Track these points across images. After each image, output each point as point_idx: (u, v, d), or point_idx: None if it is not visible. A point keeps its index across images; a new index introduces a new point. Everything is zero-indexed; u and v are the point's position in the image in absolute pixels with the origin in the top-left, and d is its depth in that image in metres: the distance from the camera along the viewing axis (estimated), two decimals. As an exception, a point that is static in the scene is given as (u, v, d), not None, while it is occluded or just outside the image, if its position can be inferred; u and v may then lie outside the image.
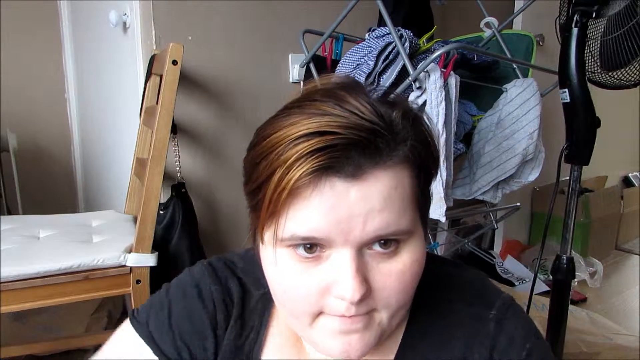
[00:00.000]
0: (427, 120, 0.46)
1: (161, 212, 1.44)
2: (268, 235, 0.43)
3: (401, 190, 0.41)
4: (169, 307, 0.53)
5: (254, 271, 0.54)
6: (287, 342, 0.53)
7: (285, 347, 0.52)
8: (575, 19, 1.05)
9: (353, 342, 0.42)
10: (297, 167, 0.39)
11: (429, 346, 0.50)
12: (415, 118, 0.44)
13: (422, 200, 0.45)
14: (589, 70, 1.24)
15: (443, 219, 1.22)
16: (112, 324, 1.64)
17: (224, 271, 0.55)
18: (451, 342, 0.49)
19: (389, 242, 0.42)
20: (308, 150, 0.38)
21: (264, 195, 0.41)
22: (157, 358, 0.51)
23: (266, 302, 0.54)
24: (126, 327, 0.54)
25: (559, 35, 1.27)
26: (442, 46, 1.26)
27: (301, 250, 0.41)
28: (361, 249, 0.41)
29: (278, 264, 0.43)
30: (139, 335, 0.52)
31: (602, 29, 1.18)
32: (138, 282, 1.18)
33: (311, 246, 0.41)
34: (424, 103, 1.18)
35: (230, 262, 0.57)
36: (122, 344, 0.53)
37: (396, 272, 0.42)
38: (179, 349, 0.51)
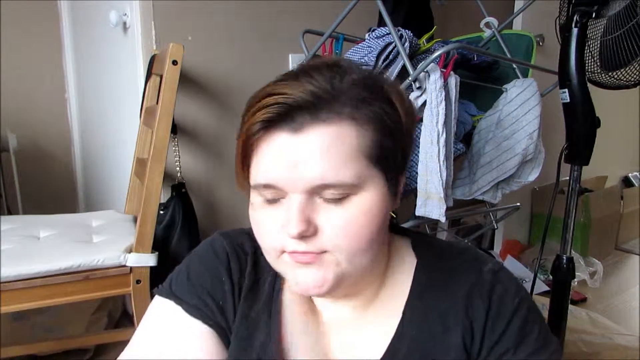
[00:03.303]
0: (398, 93, 0.52)
1: (161, 212, 1.44)
2: (249, 183, 0.52)
3: (343, 145, 0.47)
4: (187, 269, 0.60)
5: None
6: (299, 299, 0.58)
7: (299, 303, 0.58)
8: (575, 19, 1.06)
9: (311, 276, 0.49)
10: (252, 121, 0.48)
11: (434, 295, 0.56)
12: (373, 85, 0.51)
13: (380, 155, 0.50)
14: (589, 70, 1.24)
15: (443, 219, 1.22)
16: (112, 324, 1.64)
17: (235, 231, 0.62)
18: (454, 292, 0.55)
19: (337, 192, 0.48)
20: (261, 107, 0.48)
21: (237, 147, 0.51)
22: (187, 315, 0.56)
23: None
24: (155, 299, 0.59)
25: (559, 35, 1.27)
26: (442, 46, 1.26)
27: (267, 196, 0.50)
28: (312, 196, 0.48)
29: (253, 207, 0.52)
30: (166, 298, 0.58)
31: (602, 29, 1.18)
32: (138, 282, 1.18)
33: (273, 199, 0.49)
34: (424, 103, 1.18)
35: (241, 229, 0.64)
36: (154, 312, 0.58)
37: (343, 218, 0.48)
38: (203, 298, 0.57)
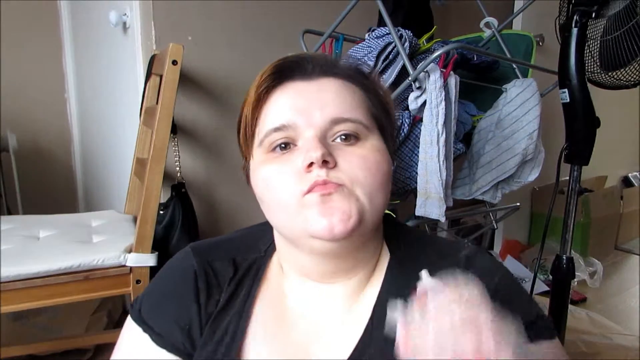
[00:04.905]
0: (379, 82, 0.59)
1: (161, 212, 1.44)
2: (253, 147, 0.54)
3: (353, 94, 0.53)
4: (154, 292, 0.60)
5: (249, 240, 0.59)
6: (274, 298, 0.58)
7: (272, 302, 0.58)
8: (575, 19, 1.06)
9: (336, 208, 0.48)
10: (262, 80, 0.53)
11: (404, 288, 0.53)
12: (363, 68, 0.58)
13: (377, 117, 0.55)
14: (589, 70, 1.24)
15: (443, 219, 1.22)
16: (112, 324, 1.64)
17: (208, 247, 0.61)
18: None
19: (349, 136, 0.51)
20: (271, 67, 0.53)
21: (242, 112, 0.55)
22: (153, 345, 0.56)
23: (260, 263, 0.60)
24: (127, 321, 0.60)
25: (559, 35, 1.27)
26: (442, 46, 1.26)
27: (277, 150, 0.51)
28: (325, 138, 0.50)
29: (260, 165, 0.52)
30: (135, 323, 0.58)
31: (602, 29, 1.18)
32: (138, 282, 1.18)
33: (285, 145, 0.51)
34: (424, 103, 1.18)
35: (217, 240, 0.63)
36: (125, 338, 0.59)
37: (357, 154, 0.50)
38: (168, 325, 0.56)
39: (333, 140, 0.51)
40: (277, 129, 0.51)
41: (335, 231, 0.47)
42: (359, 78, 0.56)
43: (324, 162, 0.48)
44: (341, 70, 0.55)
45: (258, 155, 0.53)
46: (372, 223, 0.51)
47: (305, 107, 0.51)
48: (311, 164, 0.48)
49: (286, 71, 0.53)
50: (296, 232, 0.51)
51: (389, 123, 0.57)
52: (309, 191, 0.48)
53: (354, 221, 0.48)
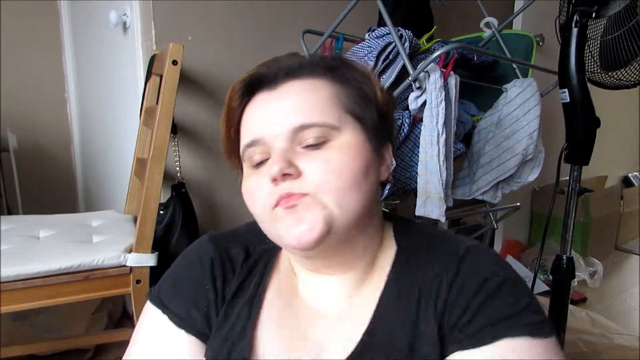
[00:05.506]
0: (373, 74, 0.58)
1: (161, 212, 1.44)
2: (239, 161, 0.56)
3: (318, 93, 0.52)
4: (173, 275, 0.62)
5: (259, 233, 0.60)
6: (285, 287, 0.60)
7: (283, 291, 0.59)
8: (575, 19, 1.06)
9: (302, 221, 0.49)
10: (233, 97, 0.55)
11: (410, 283, 0.55)
12: (346, 59, 0.58)
13: (356, 110, 0.54)
14: (589, 70, 1.24)
15: (443, 219, 1.22)
16: (112, 324, 1.64)
17: (224, 236, 0.63)
18: (429, 278, 0.54)
19: (315, 141, 0.51)
20: (240, 81, 0.55)
21: (223, 128, 0.57)
22: (172, 325, 0.58)
23: (271, 254, 0.62)
24: (147, 305, 0.61)
25: (559, 35, 1.27)
26: (442, 46, 1.26)
27: (255, 158, 0.53)
28: (293, 145, 0.51)
29: (247, 179, 0.55)
30: (154, 305, 0.60)
31: (602, 29, 1.18)
32: (138, 282, 1.18)
33: (261, 159, 0.53)
34: (424, 103, 1.18)
35: (232, 230, 0.65)
36: (145, 320, 0.61)
37: (323, 159, 0.50)
38: (187, 307, 0.58)
39: (300, 145, 0.51)
40: (249, 145, 0.53)
41: (303, 242, 0.49)
42: (327, 72, 0.54)
43: (285, 175, 0.49)
44: (307, 68, 0.54)
45: (245, 168, 0.56)
46: (346, 225, 0.51)
47: (270, 119, 0.52)
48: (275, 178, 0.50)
49: (254, 83, 0.54)
50: (277, 241, 0.54)
51: (367, 109, 0.55)
52: (277, 204, 0.50)
53: (319, 230, 0.49)
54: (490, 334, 0.48)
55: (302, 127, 0.50)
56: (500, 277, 0.51)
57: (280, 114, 0.51)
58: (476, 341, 0.48)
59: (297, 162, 0.50)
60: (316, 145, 0.51)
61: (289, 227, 0.50)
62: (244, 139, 0.54)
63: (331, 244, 0.52)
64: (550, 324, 0.50)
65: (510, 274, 0.52)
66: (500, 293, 0.50)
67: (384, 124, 0.57)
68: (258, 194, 0.52)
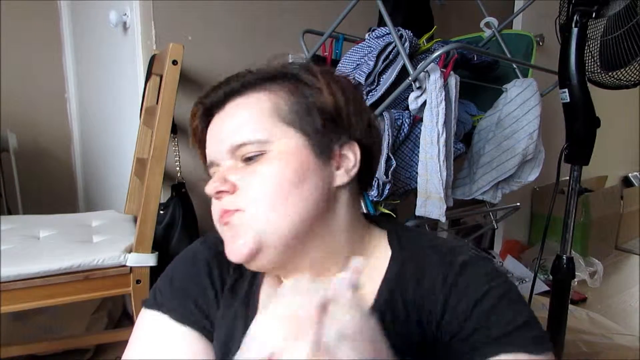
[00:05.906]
0: (324, 72, 0.57)
1: (161, 212, 1.44)
2: None
3: (253, 108, 0.54)
4: (170, 277, 0.62)
5: None
6: (274, 284, 0.60)
7: (273, 288, 0.59)
8: (575, 19, 1.06)
9: (233, 239, 0.52)
10: (195, 115, 0.59)
11: (404, 288, 0.55)
12: (289, 65, 0.58)
13: (294, 116, 0.54)
14: (589, 70, 1.24)
15: (443, 219, 1.22)
16: (112, 324, 1.64)
17: (216, 238, 0.62)
18: (423, 284, 0.54)
19: (250, 157, 0.53)
20: (198, 101, 0.58)
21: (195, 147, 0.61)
22: (174, 322, 0.58)
23: None
24: (141, 312, 0.61)
25: (559, 35, 1.27)
26: (442, 46, 1.26)
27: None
28: (235, 161, 0.54)
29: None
30: (152, 309, 0.59)
31: (602, 29, 1.18)
32: (138, 282, 1.18)
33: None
34: (424, 103, 1.18)
35: None
36: (142, 324, 0.60)
37: (256, 173, 0.52)
38: (187, 304, 0.58)
39: (242, 161, 0.54)
40: (209, 166, 0.57)
41: (239, 257, 0.52)
42: (267, 82, 0.55)
43: (220, 192, 0.52)
44: (250, 84, 0.55)
45: None
46: (279, 237, 0.51)
47: (217, 140, 0.55)
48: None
49: (208, 107, 0.57)
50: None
51: (309, 114, 0.54)
52: (219, 221, 0.54)
53: (249, 247, 0.51)
54: (489, 350, 0.48)
55: (237, 147, 0.53)
56: (496, 295, 0.51)
57: (223, 135, 0.54)
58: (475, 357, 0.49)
59: (235, 177, 0.53)
60: (253, 159, 0.53)
61: (227, 243, 0.53)
62: (207, 161, 0.58)
63: (272, 256, 0.52)
64: (547, 338, 0.50)
65: (507, 289, 0.52)
66: (497, 310, 0.50)
67: (337, 123, 0.55)
68: (213, 209, 0.55)
